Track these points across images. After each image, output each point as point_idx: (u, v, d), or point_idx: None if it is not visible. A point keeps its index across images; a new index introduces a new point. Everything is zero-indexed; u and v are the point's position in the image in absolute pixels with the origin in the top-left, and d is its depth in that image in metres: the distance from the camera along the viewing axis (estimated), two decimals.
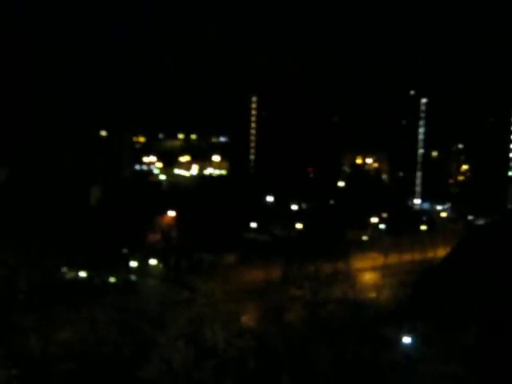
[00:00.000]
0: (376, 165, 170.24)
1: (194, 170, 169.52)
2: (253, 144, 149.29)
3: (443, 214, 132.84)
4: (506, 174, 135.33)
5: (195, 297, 53.58)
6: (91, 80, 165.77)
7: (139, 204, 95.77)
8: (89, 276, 69.66)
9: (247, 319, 47.97)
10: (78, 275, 70.21)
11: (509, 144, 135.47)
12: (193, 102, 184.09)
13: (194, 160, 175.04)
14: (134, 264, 75.93)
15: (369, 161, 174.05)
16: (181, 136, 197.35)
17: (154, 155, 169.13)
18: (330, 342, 40.61)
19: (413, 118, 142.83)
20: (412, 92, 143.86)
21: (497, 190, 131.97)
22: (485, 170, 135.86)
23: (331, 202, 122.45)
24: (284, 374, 35.32)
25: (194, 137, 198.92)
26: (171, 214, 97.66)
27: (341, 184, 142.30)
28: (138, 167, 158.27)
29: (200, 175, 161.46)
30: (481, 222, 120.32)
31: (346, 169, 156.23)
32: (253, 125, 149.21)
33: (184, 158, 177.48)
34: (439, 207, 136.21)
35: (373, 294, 66.10)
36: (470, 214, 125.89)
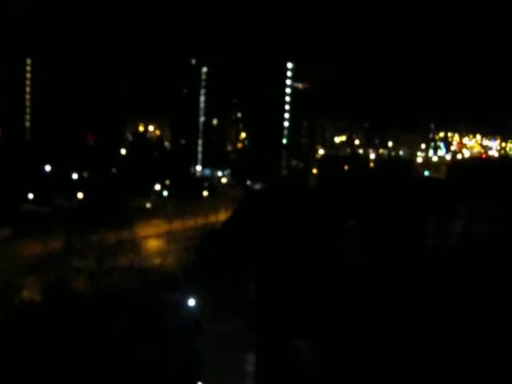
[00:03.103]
0: (158, 132, 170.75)
1: None
2: (28, 110, 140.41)
3: (224, 180, 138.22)
4: (281, 142, 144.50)
5: None
6: None
7: None
8: None
9: (25, 295, 45.52)
10: None
11: (283, 114, 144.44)
12: None
13: None
14: None
15: (151, 128, 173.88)
16: None
17: None
18: (115, 310, 40.33)
19: (194, 87, 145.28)
20: (193, 61, 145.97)
21: (272, 157, 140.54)
22: (261, 138, 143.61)
23: (113, 170, 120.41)
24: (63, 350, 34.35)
25: None
26: None
27: (123, 152, 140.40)
28: None
29: None
30: (258, 186, 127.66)
31: (129, 136, 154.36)
32: (27, 89, 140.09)
33: None
34: (220, 173, 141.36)
35: (158, 261, 66.94)
36: (248, 180, 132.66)
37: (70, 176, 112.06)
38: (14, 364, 32.63)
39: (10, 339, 35.02)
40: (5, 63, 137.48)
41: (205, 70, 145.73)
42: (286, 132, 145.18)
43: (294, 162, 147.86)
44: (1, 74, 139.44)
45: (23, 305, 41.28)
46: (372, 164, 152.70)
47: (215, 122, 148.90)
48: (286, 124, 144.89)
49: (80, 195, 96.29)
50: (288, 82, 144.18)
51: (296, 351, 33.66)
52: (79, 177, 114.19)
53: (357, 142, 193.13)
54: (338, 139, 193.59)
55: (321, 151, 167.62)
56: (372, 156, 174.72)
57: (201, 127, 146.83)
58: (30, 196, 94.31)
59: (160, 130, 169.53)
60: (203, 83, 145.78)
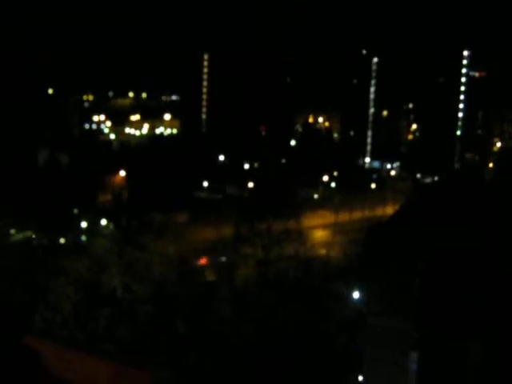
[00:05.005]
0: (327, 124, 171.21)
1: (145, 129, 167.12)
2: (205, 103, 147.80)
3: (392, 173, 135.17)
4: (454, 133, 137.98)
5: (145, 256, 53.40)
6: (38, 35, 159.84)
7: (89, 164, 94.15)
8: (37, 237, 68.56)
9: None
10: (26, 236, 69.06)
11: (458, 104, 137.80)
12: (143, 60, 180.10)
13: (144, 119, 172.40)
14: (84, 224, 75.00)
15: (320, 120, 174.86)
16: (131, 94, 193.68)
17: (103, 114, 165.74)
18: (282, 297, 41.26)
19: (364, 78, 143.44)
20: (364, 51, 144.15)
21: (444, 150, 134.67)
22: (433, 129, 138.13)
23: (283, 160, 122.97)
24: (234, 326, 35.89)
25: (144, 95, 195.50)
26: (122, 173, 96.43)
27: (293, 143, 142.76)
28: (87, 126, 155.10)
29: (151, 134, 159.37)
30: (428, 180, 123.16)
31: (298, 128, 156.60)
32: (205, 83, 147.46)
33: (134, 117, 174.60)
34: (389, 166, 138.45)
35: (323, 251, 67.28)
36: (418, 173, 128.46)
37: (242, 166, 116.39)
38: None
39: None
40: (184, 58, 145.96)
41: (375, 60, 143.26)
42: (460, 123, 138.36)
43: (468, 155, 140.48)
44: (181, 70, 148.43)
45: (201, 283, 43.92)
46: None
47: (385, 113, 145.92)
48: (461, 115, 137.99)
49: (250, 184, 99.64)
50: (464, 70, 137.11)
51: (464, 353, 32.02)
52: (250, 167, 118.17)
53: None
54: None
55: (498, 144, 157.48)
56: None
57: (370, 118, 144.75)
58: (205, 184, 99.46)
59: (329, 121, 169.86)
60: (374, 74, 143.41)
